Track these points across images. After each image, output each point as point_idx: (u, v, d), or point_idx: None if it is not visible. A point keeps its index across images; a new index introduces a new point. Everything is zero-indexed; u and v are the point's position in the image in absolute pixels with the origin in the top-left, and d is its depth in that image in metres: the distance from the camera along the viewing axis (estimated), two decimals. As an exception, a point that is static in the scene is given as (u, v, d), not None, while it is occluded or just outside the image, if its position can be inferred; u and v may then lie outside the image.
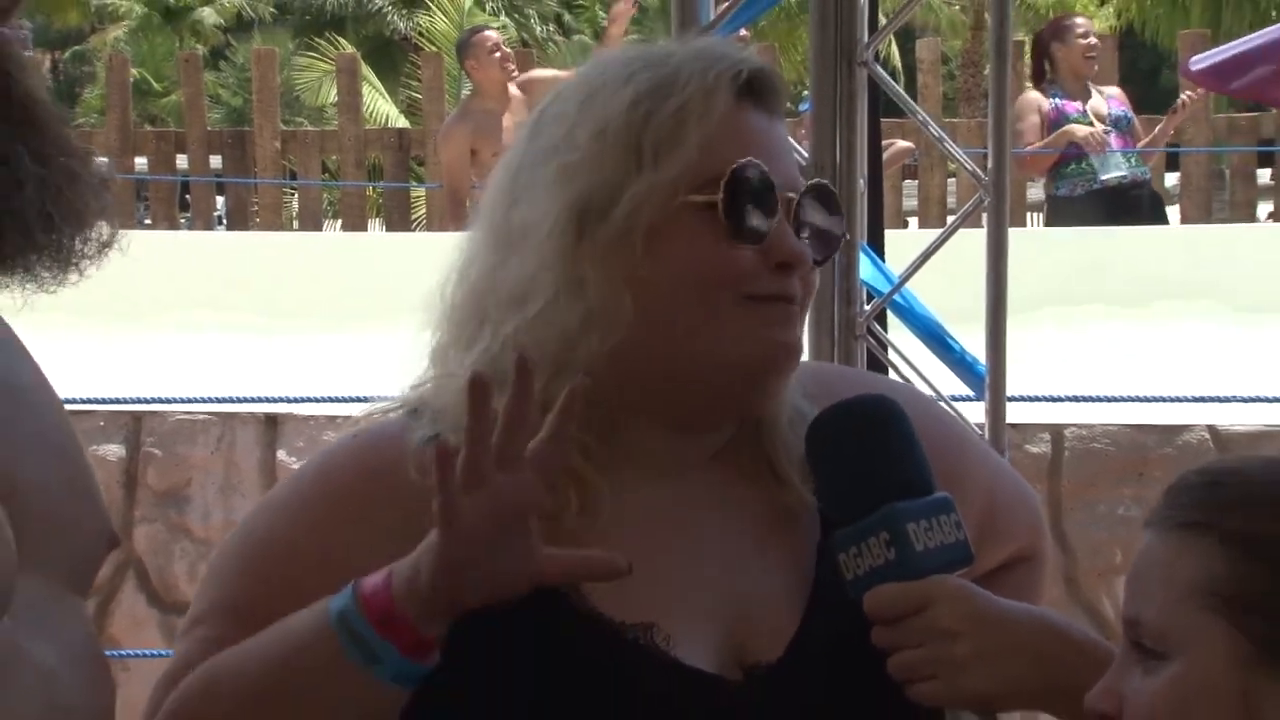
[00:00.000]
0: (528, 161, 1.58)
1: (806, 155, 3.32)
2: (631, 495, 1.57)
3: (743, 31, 9.71)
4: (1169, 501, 1.37)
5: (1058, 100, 8.74)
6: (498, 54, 8.71)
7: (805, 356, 1.62)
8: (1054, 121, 8.71)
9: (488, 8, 26.61)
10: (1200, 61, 5.50)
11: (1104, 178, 8.67)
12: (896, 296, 3.58)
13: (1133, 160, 8.78)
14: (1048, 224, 9.41)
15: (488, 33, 9.04)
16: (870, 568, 1.52)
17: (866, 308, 3.50)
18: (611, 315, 1.52)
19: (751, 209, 1.53)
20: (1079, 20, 9.20)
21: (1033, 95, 8.95)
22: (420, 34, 26.69)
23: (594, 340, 1.52)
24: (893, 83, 3.52)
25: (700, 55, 1.57)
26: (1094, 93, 8.88)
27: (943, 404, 3.61)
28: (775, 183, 1.55)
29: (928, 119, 3.77)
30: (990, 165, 3.44)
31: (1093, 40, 8.90)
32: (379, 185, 13.46)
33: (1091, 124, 8.69)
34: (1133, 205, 8.74)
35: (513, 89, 8.65)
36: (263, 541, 1.58)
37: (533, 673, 1.51)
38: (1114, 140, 8.71)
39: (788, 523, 1.61)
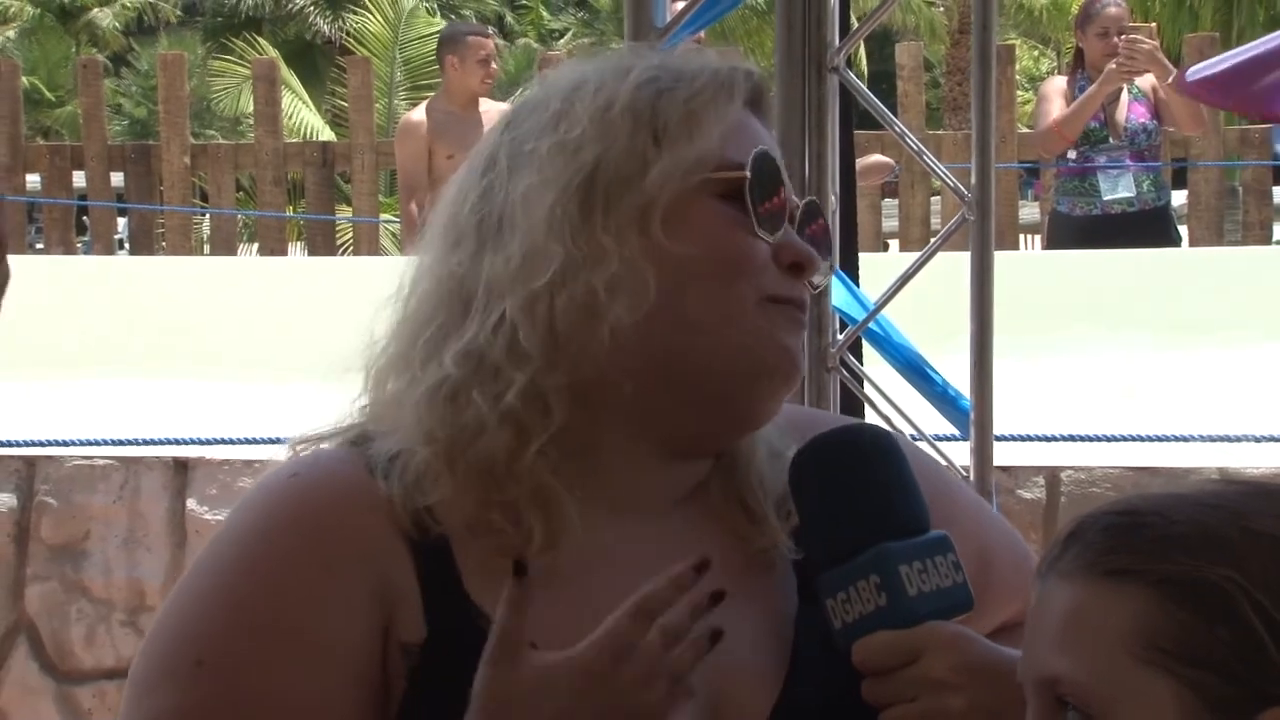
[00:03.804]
0: (507, 149, 1.61)
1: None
2: (600, 534, 1.58)
3: (700, 35, 9.76)
4: (1083, 547, 1.35)
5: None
6: (487, 66, 8.98)
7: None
8: None
9: (423, 9, 26.67)
10: (1198, 73, 5.55)
11: (1108, 198, 8.50)
12: (872, 325, 3.62)
13: (1145, 184, 8.53)
14: (1047, 244, 9.39)
15: (486, 40, 9.27)
16: (860, 615, 1.53)
17: (839, 337, 3.53)
18: (636, 284, 1.55)
19: (769, 199, 1.60)
20: (1109, 10, 8.58)
21: (1058, 81, 8.84)
22: (349, 35, 26.74)
23: (621, 309, 1.54)
24: (866, 91, 3.57)
25: (703, 57, 1.63)
26: (1123, 95, 8.55)
27: (927, 448, 3.66)
28: (785, 183, 1.63)
29: (905, 130, 3.82)
30: (974, 181, 3.48)
31: (1114, 40, 8.40)
32: (301, 217, 13.45)
33: (1106, 139, 8.50)
34: (1138, 235, 8.50)
35: (483, 104, 8.92)
36: (203, 652, 1.52)
37: None
38: (1128, 157, 8.50)
39: (762, 569, 1.63)
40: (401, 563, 1.54)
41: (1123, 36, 8.40)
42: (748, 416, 1.61)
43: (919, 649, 1.52)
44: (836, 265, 3.53)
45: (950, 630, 1.54)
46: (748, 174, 1.59)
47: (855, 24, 3.69)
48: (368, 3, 25.74)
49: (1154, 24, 8.44)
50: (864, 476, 1.56)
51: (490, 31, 10.10)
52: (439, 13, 28.02)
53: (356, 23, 26.46)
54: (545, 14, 34.33)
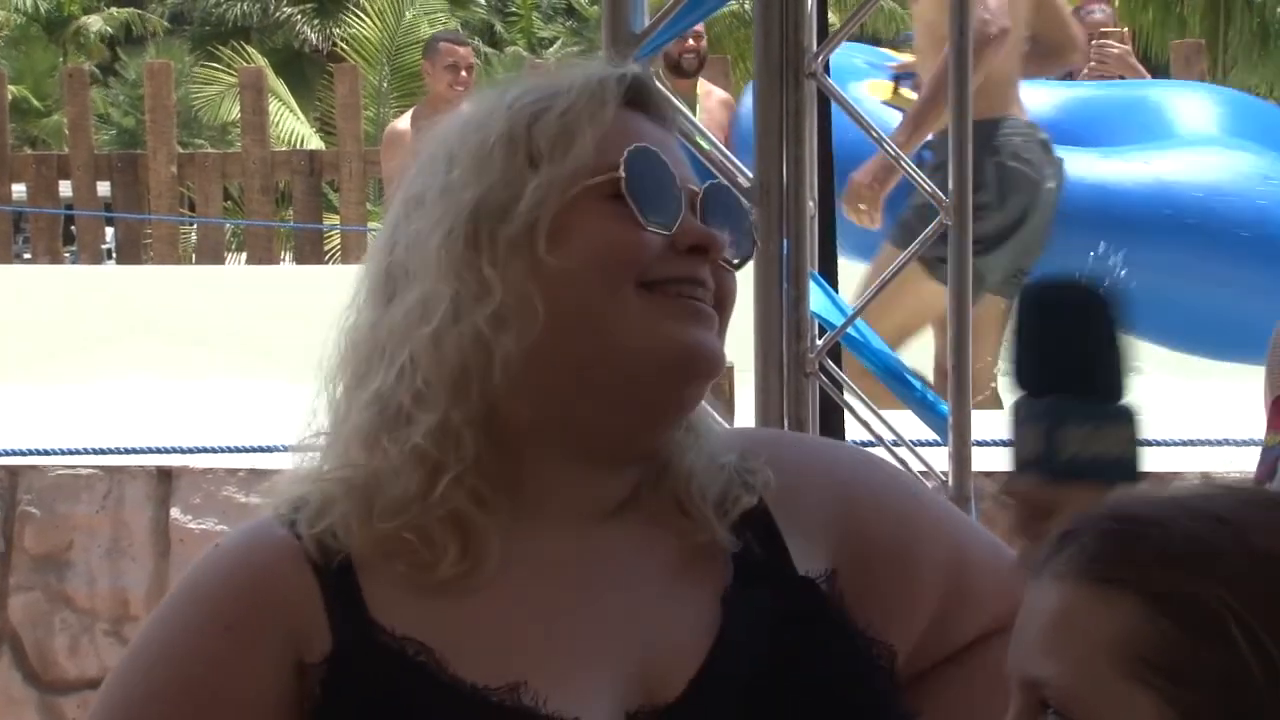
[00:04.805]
0: (409, 197, 1.67)
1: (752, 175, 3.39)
2: (527, 544, 1.62)
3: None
4: (1079, 549, 1.35)
5: None
6: (455, 72, 8.95)
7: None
8: None
9: (408, 16, 26.69)
10: None
11: None
12: (850, 330, 3.63)
13: None
14: None
15: (455, 46, 9.25)
16: (1022, 458, 1.58)
17: (819, 343, 3.54)
18: (523, 311, 1.59)
19: (654, 191, 1.63)
20: (1093, 16, 8.58)
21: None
22: (343, 43, 26.76)
23: (509, 340, 1.59)
24: (844, 96, 3.58)
25: (580, 68, 1.69)
26: None
27: (906, 453, 3.67)
28: (675, 173, 1.66)
29: (883, 136, 3.83)
30: (952, 186, 3.49)
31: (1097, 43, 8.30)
32: (289, 226, 13.47)
33: None
34: None
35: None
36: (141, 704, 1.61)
37: None
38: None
39: (697, 562, 1.67)
40: (310, 596, 1.60)
41: (1094, 41, 8.43)
42: (665, 412, 1.64)
43: (1056, 507, 1.55)
44: (815, 267, 3.55)
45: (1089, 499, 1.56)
46: (622, 173, 1.62)
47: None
48: (364, 6, 25.77)
49: (1126, 29, 8.41)
50: (1073, 332, 1.60)
51: (469, 41, 10.09)
52: (428, 20, 28.04)
53: (352, 27, 26.49)
54: (538, 21, 34.37)
